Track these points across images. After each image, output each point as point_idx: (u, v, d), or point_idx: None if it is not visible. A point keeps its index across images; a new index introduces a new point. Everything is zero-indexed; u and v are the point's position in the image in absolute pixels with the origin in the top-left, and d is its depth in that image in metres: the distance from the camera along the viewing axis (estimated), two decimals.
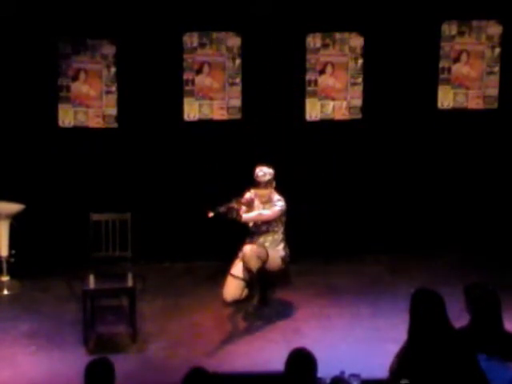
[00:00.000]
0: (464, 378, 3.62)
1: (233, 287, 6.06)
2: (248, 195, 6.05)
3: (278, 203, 5.95)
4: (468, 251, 7.07)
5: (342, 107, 7.14)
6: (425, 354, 3.64)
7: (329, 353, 4.92)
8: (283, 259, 6.04)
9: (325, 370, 3.76)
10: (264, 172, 5.92)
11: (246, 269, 5.92)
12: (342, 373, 3.98)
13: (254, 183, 5.95)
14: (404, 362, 3.71)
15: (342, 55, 7.07)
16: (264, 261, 5.86)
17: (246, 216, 5.89)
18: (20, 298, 6.35)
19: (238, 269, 6.09)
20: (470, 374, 3.62)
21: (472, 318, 3.93)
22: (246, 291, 6.10)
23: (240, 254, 6.09)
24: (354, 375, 3.97)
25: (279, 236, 6.04)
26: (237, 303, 6.07)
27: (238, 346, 5.49)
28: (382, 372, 3.96)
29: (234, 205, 5.78)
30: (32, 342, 5.55)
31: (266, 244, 5.99)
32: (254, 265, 5.82)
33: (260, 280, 5.92)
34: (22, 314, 5.99)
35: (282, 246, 6.06)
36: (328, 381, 3.90)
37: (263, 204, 6.00)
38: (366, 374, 4.07)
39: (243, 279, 6.07)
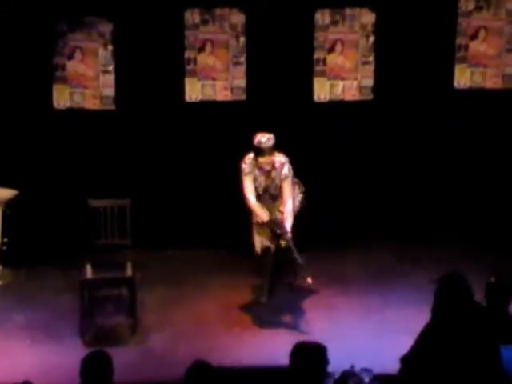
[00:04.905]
0: (481, 364, 3.71)
1: (263, 235, 5.86)
2: (247, 167, 5.81)
3: (285, 171, 5.77)
4: (481, 240, 6.99)
5: (352, 87, 7.11)
6: (449, 336, 3.72)
7: (338, 346, 4.85)
8: (301, 202, 5.99)
9: (334, 364, 3.75)
10: (267, 137, 5.74)
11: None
12: (353, 367, 3.98)
13: (256, 152, 5.74)
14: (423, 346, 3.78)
15: (353, 32, 7.02)
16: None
17: (289, 225, 5.71)
18: (13, 288, 6.34)
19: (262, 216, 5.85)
20: (488, 361, 3.72)
21: (488, 307, 4.05)
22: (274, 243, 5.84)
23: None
24: (365, 370, 3.97)
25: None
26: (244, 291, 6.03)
27: (242, 339, 5.49)
28: (395, 366, 3.94)
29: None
30: (27, 334, 5.56)
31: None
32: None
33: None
34: (16, 305, 5.99)
35: (295, 190, 5.94)
36: (337, 375, 3.90)
37: (266, 173, 5.82)
38: (377, 369, 4.07)
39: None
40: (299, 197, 6.03)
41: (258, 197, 5.89)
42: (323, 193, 7.00)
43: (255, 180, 5.86)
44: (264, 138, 5.74)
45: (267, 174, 5.81)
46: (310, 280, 5.60)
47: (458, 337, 3.73)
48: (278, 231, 5.66)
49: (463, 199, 7.21)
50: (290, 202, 5.79)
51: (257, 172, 5.84)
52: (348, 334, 5.44)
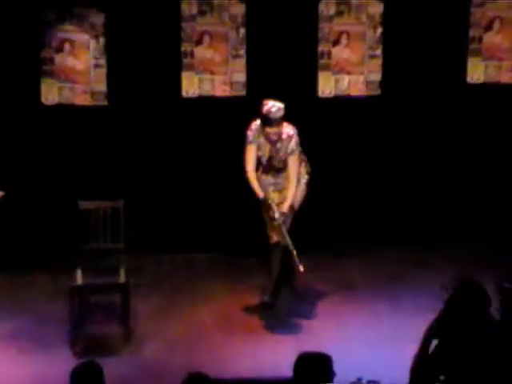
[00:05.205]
0: (495, 377, 3.69)
1: (273, 230, 5.84)
2: (251, 135, 5.78)
3: (292, 146, 5.73)
4: (496, 243, 6.94)
5: (358, 82, 7.09)
6: (460, 347, 3.70)
7: (344, 356, 4.83)
8: (307, 184, 5.98)
9: (340, 376, 3.70)
10: (278, 107, 5.68)
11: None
12: (360, 379, 3.97)
13: (264, 121, 5.67)
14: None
15: (359, 24, 7.00)
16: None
17: (286, 208, 5.74)
18: (0, 294, 6.28)
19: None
20: (502, 374, 3.69)
21: (501, 315, 4.10)
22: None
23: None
24: (372, 382, 3.94)
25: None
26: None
27: (242, 348, 5.48)
28: (404, 377, 3.90)
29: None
30: (13, 343, 5.55)
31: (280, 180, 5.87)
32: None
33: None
34: (3, 312, 5.96)
35: (301, 167, 5.91)
36: None
37: (272, 143, 5.77)
38: (386, 380, 4.05)
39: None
40: (305, 178, 6.00)
41: (263, 167, 5.86)
42: (327, 192, 6.99)
43: (259, 148, 5.84)
44: (274, 108, 5.68)
45: (273, 143, 5.77)
46: (301, 268, 5.57)
47: (470, 348, 3.71)
48: (271, 213, 5.66)
49: (473, 199, 7.17)
50: (293, 184, 5.77)
51: (262, 140, 5.81)
52: (354, 343, 5.44)
